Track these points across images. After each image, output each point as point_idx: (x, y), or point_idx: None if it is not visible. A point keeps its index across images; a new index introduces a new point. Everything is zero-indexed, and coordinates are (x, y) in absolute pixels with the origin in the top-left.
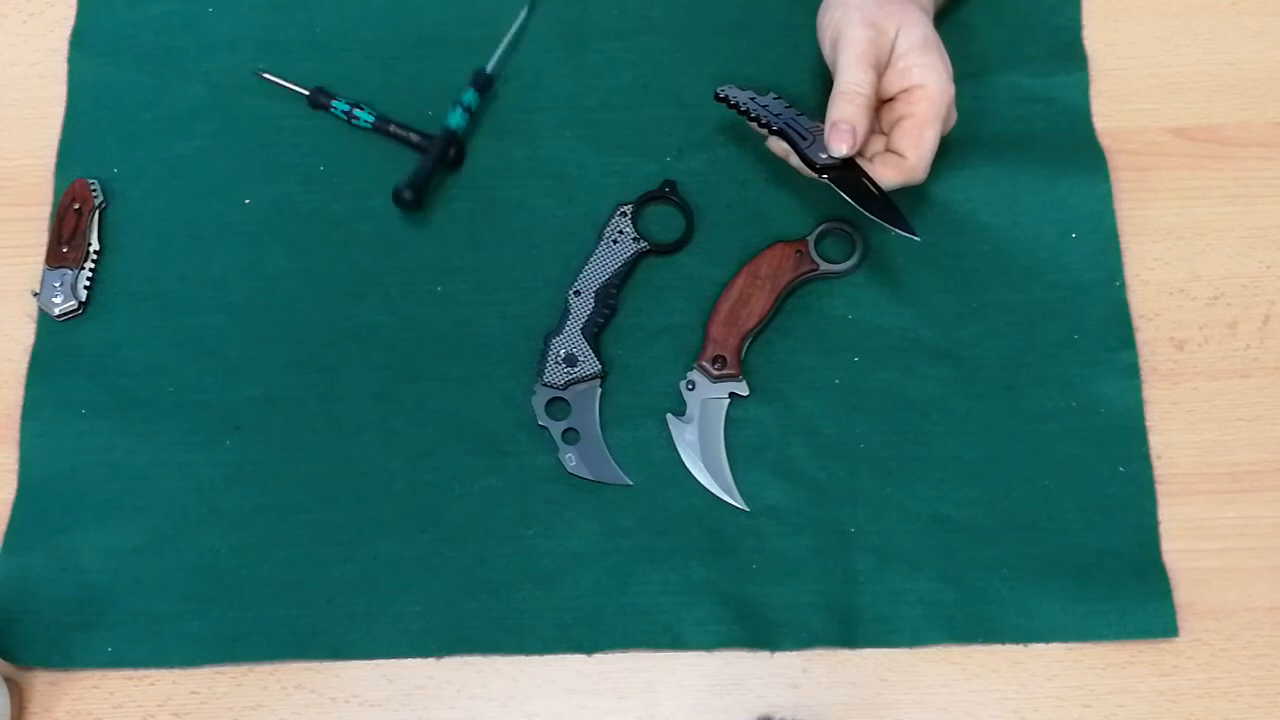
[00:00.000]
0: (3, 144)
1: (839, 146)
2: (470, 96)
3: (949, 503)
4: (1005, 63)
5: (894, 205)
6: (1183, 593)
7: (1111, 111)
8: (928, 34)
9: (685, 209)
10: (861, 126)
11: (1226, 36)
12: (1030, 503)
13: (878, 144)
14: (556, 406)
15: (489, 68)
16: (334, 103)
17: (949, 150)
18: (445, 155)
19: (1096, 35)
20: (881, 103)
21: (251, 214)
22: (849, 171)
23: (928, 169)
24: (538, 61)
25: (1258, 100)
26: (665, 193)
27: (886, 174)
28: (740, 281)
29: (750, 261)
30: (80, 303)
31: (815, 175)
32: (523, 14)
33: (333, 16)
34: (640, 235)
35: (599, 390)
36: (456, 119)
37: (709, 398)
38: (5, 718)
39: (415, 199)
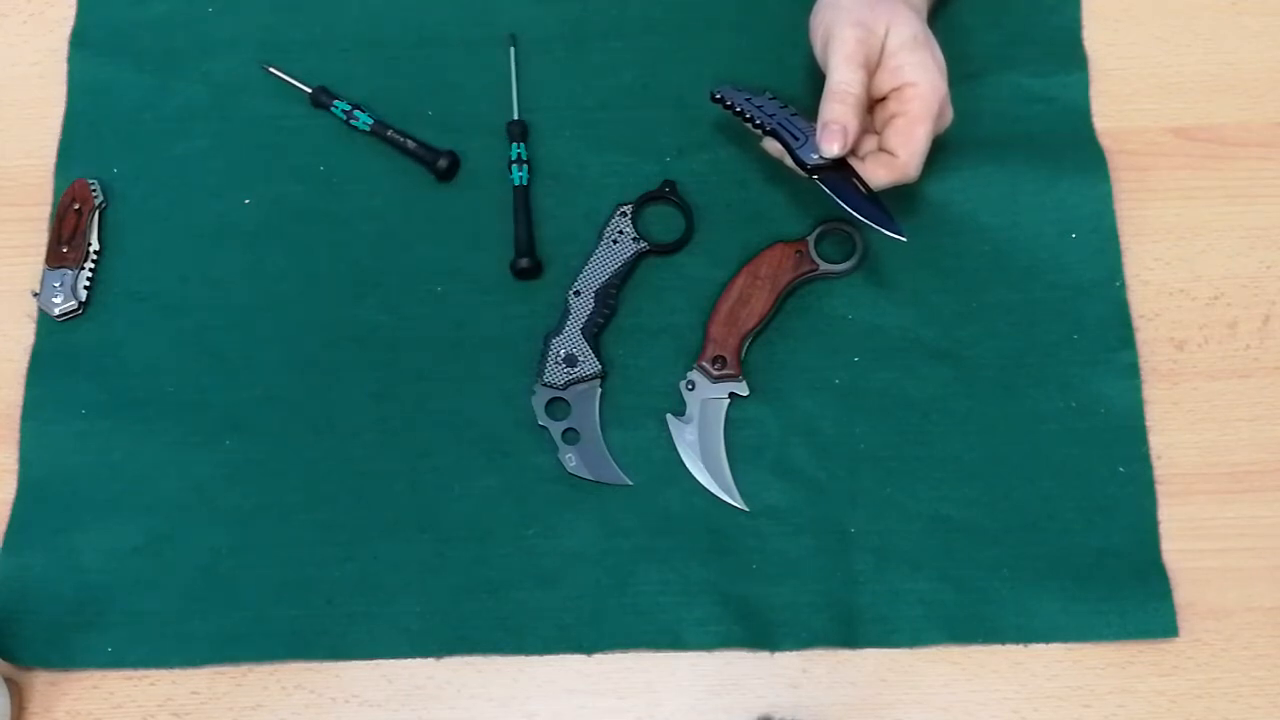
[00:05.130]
0: (3, 144)
1: (829, 147)
2: (517, 149)
3: (949, 503)
4: (1005, 63)
5: (883, 206)
6: (1183, 593)
7: (1111, 111)
8: (918, 32)
9: (685, 209)
10: (852, 126)
11: (1226, 36)
12: (1030, 503)
13: (870, 143)
14: (556, 406)
15: (516, 115)
16: (335, 103)
17: (949, 150)
18: (529, 208)
19: (1096, 35)
20: (874, 102)
21: (251, 214)
22: (839, 172)
23: (920, 167)
24: (537, 61)
25: (1258, 100)
26: (665, 193)
27: (878, 173)
28: (740, 281)
29: (750, 261)
30: (80, 303)
31: (807, 176)
32: (512, 52)
33: (333, 16)
34: (640, 235)
35: (599, 390)
36: (521, 177)
37: (709, 398)
38: (5, 718)
39: (536, 265)
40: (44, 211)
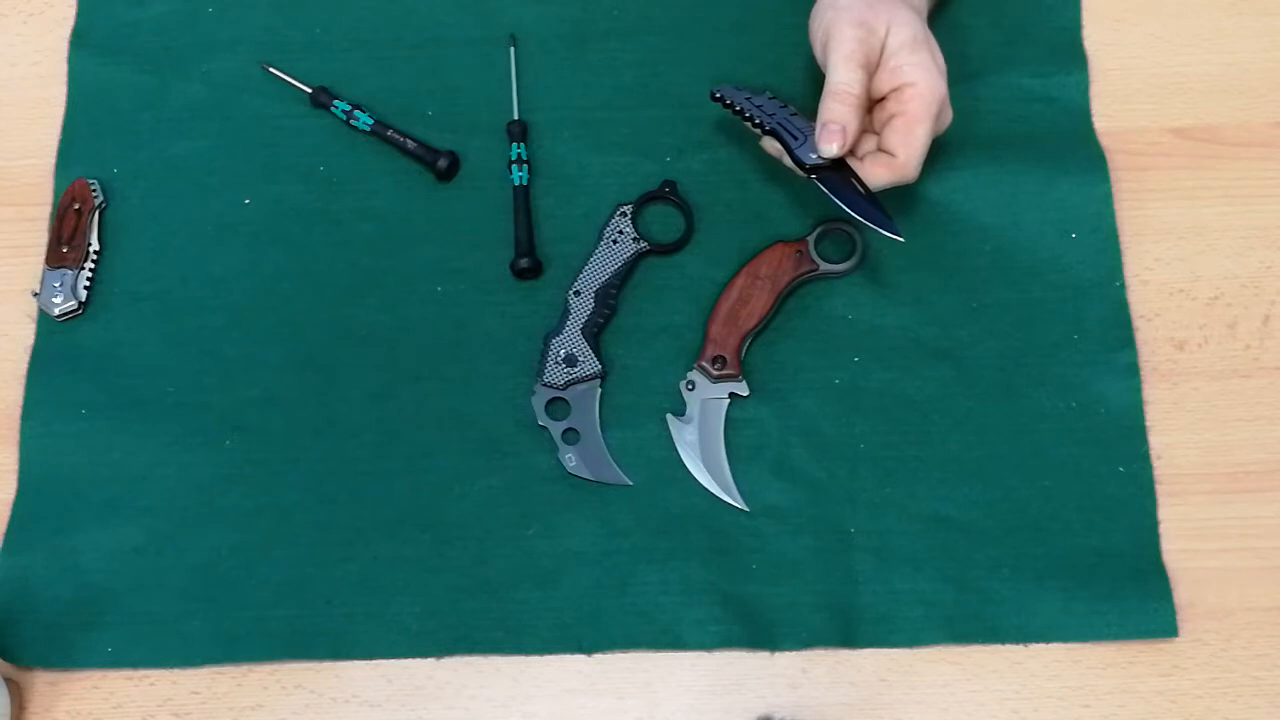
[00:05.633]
0: (3, 144)
1: (829, 146)
2: (517, 149)
3: (949, 503)
4: (1005, 63)
5: (882, 206)
6: (1183, 593)
7: (1111, 111)
8: (917, 32)
9: (685, 209)
10: (852, 126)
11: (1226, 36)
12: (1030, 503)
13: (870, 143)
14: (556, 406)
15: (516, 115)
16: (335, 103)
17: (949, 150)
18: (529, 208)
19: (1096, 35)
20: (873, 102)
21: (251, 214)
22: (838, 172)
23: (919, 168)
24: (537, 62)
25: (1258, 100)
26: (665, 193)
27: (877, 173)
28: (740, 281)
29: (750, 261)
30: (80, 303)
31: (806, 176)
32: (512, 52)
33: (333, 16)
34: (640, 235)
35: (599, 390)
36: (521, 177)
37: (709, 398)
38: (5, 718)
39: (536, 265)
40: (44, 211)
